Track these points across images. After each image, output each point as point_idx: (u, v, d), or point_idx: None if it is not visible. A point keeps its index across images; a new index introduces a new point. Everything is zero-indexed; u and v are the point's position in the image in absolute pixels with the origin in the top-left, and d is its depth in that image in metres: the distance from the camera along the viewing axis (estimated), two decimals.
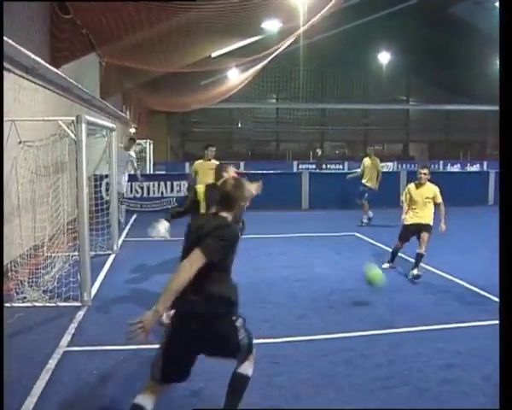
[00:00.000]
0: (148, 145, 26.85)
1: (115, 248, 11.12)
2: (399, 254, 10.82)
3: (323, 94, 45.50)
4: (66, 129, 7.68)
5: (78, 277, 7.61)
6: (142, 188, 17.20)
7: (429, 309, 7.46)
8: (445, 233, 8.93)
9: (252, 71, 25.69)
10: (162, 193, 17.14)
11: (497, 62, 37.53)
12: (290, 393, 4.86)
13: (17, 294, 7.53)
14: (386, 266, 9.61)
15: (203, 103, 33.15)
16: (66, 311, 7.16)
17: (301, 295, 8.07)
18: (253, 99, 43.79)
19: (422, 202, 9.11)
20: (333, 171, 34.26)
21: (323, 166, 34.82)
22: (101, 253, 10.76)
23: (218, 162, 11.05)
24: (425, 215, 9.09)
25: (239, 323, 3.89)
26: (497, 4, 27.00)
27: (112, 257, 10.63)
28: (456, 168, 35.78)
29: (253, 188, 4.28)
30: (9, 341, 5.63)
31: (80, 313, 7.08)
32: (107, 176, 13.02)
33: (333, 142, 50.72)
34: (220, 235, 3.72)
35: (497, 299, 7.76)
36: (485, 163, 36.93)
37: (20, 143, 8.26)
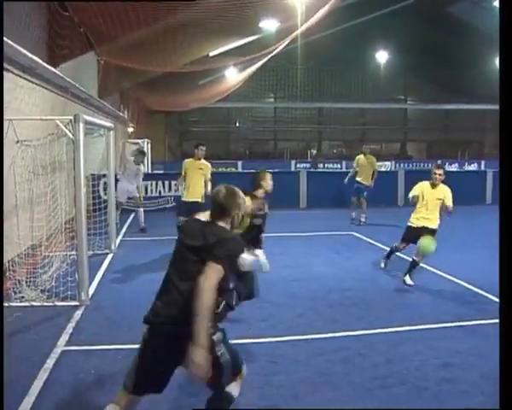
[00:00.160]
0: (146, 145, 26.84)
1: (113, 247, 11.11)
2: (396, 252, 10.84)
3: (321, 93, 45.48)
4: (64, 128, 7.66)
5: (76, 276, 7.60)
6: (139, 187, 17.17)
7: (427, 308, 7.47)
8: (450, 213, 8.66)
9: (249, 70, 25.69)
10: (160, 192, 17.11)
11: (496, 62, 37.60)
12: (288, 392, 4.85)
13: (15, 293, 7.52)
14: (382, 265, 9.57)
15: (201, 103, 33.16)
16: (64, 310, 7.15)
17: (300, 294, 8.07)
18: (250, 98, 43.80)
19: (433, 204, 8.67)
20: (330, 170, 34.29)
21: (318, 166, 34.82)
22: (99, 252, 10.74)
23: (207, 162, 11.15)
24: (433, 219, 8.70)
25: (216, 337, 3.59)
26: (496, 4, 27.03)
27: (110, 256, 10.62)
28: (454, 168, 35.78)
29: (248, 201, 4.02)
30: (7, 340, 5.61)
31: (78, 313, 7.07)
32: (104, 175, 12.99)
33: (331, 141, 50.77)
34: (228, 248, 3.57)
35: (495, 298, 7.77)
36: (482, 162, 36.98)
37: (17, 142, 8.24)
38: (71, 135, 7.55)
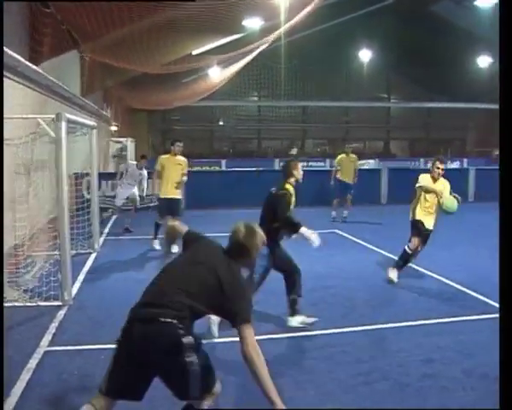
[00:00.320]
0: (129, 143, 26.75)
1: (96, 246, 11.07)
2: (380, 249, 10.93)
3: (305, 92, 45.52)
4: (46, 127, 7.62)
5: (59, 276, 7.56)
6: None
7: (410, 305, 7.54)
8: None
9: (233, 69, 25.67)
10: (143, 191, 17.02)
11: (477, 60, 37.95)
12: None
13: None
14: (394, 276, 8.61)
15: (185, 101, 33.03)
16: (47, 310, 7.12)
17: (282, 292, 8.06)
18: (234, 97, 43.75)
19: (434, 201, 8.50)
20: (314, 168, 34.34)
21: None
22: (83, 252, 10.71)
23: (184, 158, 11.15)
24: (432, 220, 8.64)
25: (187, 340, 3.38)
26: (476, 3, 27.21)
27: (93, 256, 10.58)
28: None
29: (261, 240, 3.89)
30: None
31: (61, 313, 7.04)
32: (87, 174, 12.92)
33: (314, 139, 50.85)
34: (249, 304, 3.60)
35: (476, 295, 7.87)
36: (465, 160, 37.25)
37: None
38: (53, 134, 7.51)
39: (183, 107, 37.05)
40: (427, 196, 8.56)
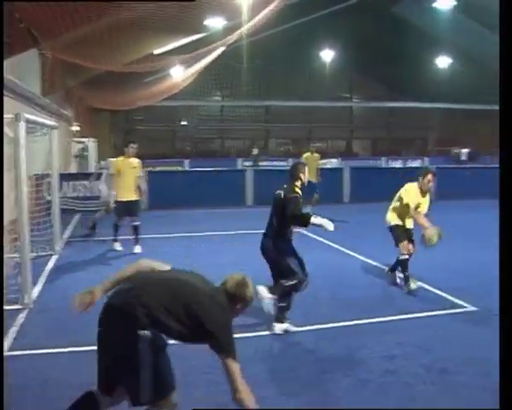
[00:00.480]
0: (91, 144, 26.47)
1: (58, 248, 10.91)
2: (343, 248, 11.03)
3: (268, 91, 45.64)
4: (5, 127, 7.48)
5: (19, 279, 7.43)
6: (85, 187, 16.97)
7: (372, 302, 7.63)
8: None
9: (196, 68, 25.57)
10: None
11: (437, 61, 38.62)
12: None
13: None
14: (414, 285, 8.08)
15: (148, 101, 32.77)
16: (7, 314, 6.95)
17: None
18: (197, 97, 43.66)
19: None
20: (278, 168, 34.43)
21: (261, 164, 34.92)
22: (43, 254, 10.53)
23: (138, 160, 11.15)
24: (411, 220, 8.24)
25: (143, 334, 3.39)
26: (435, 4, 27.61)
27: (54, 258, 10.43)
28: (398, 164, 36.48)
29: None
30: None
31: (21, 316, 6.92)
32: (48, 175, 12.73)
33: (278, 139, 51.07)
34: (232, 338, 3.61)
35: (437, 291, 8.01)
36: (426, 159, 37.84)
37: None
38: (12, 134, 7.38)
39: (147, 107, 36.80)
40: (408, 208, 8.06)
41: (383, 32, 36.88)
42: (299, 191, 6.64)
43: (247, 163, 34.63)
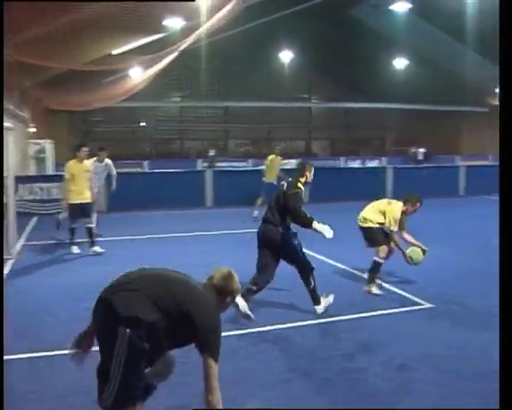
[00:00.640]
0: (48, 145, 26.01)
1: (14, 253, 10.69)
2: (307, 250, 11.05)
3: (227, 92, 45.65)
4: None
5: None
6: (42, 189, 16.69)
7: (334, 302, 7.66)
8: None
9: (155, 69, 25.39)
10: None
11: (393, 62, 39.17)
12: (196, 390, 4.82)
13: None
14: (375, 289, 8.04)
15: (106, 102, 32.40)
16: None
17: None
18: (156, 97, 43.35)
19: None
20: (238, 168, 34.46)
21: (217, 165, 34.92)
22: None
23: (89, 163, 11.29)
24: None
25: (129, 333, 3.35)
26: (392, 7, 27.93)
27: (10, 262, 10.20)
28: (356, 164, 36.93)
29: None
30: None
31: None
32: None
33: (237, 139, 51.15)
34: (219, 340, 3.67)
35: (394, 289, 8.12)
36: (383, 159, 38.38)
37: None
38: None
39: (105, 108, 36.44)
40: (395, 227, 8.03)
41: (341, 34, 37.30)
42: (302, 187, 7.04)
43: (204, 164, 34.58)
